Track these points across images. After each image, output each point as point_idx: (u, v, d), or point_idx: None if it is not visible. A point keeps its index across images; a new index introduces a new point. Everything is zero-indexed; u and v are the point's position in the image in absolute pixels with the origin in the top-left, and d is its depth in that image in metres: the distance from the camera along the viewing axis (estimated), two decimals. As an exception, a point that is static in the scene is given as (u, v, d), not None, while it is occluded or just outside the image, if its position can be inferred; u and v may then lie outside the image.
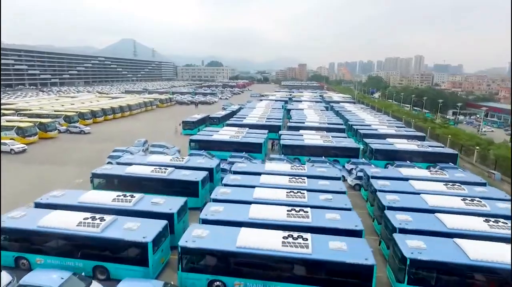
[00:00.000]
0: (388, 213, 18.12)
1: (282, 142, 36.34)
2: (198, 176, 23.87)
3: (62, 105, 69.77)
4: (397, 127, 49.57)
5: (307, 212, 17.49)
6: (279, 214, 17.29)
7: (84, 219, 16.04)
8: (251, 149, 36.36)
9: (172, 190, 23.60)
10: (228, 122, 50.69)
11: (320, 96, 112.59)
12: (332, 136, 39.37)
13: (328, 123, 50.66)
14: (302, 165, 27.03)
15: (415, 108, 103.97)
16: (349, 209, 18.96)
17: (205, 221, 17.18)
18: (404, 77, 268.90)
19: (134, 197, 19.11)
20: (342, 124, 51.47)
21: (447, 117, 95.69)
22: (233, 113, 62.16)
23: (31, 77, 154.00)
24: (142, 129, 55.00)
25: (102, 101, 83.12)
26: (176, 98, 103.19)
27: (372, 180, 23.68)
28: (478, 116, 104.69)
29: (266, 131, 42.35)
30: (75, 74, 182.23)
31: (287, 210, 17.60)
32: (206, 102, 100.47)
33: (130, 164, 26.44)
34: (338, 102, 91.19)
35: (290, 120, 53.90)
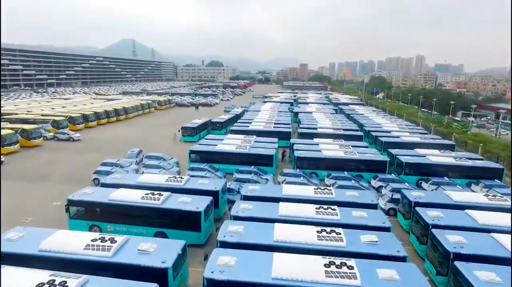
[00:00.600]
0: (460, 267, 13.27)
1: (296, 154, 31.42)
2: (200, 204, 19.02)
3: (52, 108, 64.77)
4: (420, 133, 44.64)
5: (352, 268, 12.64)
6: (315, 271, 12.44)
7: (40, 284, 11.23)
8: (260, 161, 31.59)
9: (168, 222, 18.91)
10: (232, 128, 45.76)
11: (326, 97, 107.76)
12: (352, 146, 34.58)
13: (343, 130, 45.75)
14: (328, 188, 22.15)
15: (422, 109, 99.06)
16: (404, 259, 14.16)
17: (211, 282, 12.35)
18: (407, 77, 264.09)
19: (116, 241, 14.25)
20: (358, 130, 46.65)
21: (456, 118, 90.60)
22: (236, 117, 57.31)
23: (26, 78, 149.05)
24: (137, 135, 50.17)
25: (96, 103, 78.21)
26: (175, 99, 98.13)
27: (419, 210, 18.78)
28: (489, 118, 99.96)
29: (276, 140, 37.47)
30: (73, 74, 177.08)
31: (325, 265, 12.78)
32: (207, 104, 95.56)
33: (117, 185, 21.67)
34: (346, 104, 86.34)
35: (301, 126, 48.94)
